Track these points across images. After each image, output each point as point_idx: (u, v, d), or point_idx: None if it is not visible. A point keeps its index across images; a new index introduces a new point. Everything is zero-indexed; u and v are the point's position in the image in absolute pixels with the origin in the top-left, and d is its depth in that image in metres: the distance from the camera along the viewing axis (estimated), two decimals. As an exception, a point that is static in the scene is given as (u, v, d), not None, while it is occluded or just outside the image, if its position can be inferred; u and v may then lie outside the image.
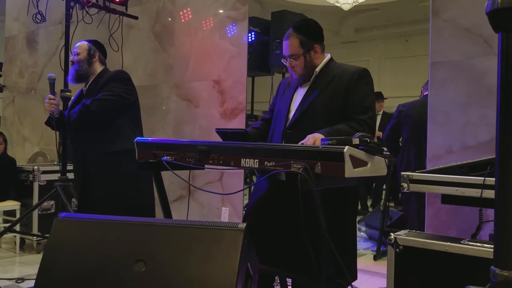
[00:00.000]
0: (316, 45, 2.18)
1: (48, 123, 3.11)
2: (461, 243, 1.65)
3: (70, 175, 3.83)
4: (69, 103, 3.12)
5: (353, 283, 1.90)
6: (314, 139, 1.89)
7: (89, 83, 3.01)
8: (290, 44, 2.17)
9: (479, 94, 2.97)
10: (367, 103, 2.12)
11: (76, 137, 3.00)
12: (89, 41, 3.11)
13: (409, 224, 4.09)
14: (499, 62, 0.87)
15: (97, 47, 3.09)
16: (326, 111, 2.11)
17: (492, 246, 0.94)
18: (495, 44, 2.70)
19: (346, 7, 7.85)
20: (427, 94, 4.06)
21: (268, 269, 2.18)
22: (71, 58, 3.05)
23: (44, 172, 4.53)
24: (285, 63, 2.24)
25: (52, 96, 3.03)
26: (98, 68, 3.04)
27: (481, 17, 2.85)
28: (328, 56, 2.24)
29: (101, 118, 2.86)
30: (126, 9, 4.66)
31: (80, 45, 3.06)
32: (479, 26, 2.97)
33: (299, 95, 2.22)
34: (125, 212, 2.64)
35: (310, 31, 2.20)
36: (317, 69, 2.19)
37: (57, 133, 3.16)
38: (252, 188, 2.44)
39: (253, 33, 4.65)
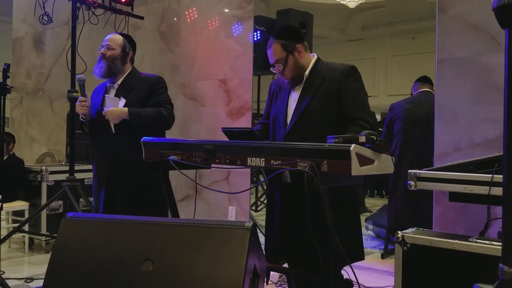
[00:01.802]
0: (298, 45, 2.22)
1: (81, 126, 2.93)
2: (469, 241, 1.65)
3: (78, 175, 3.86)
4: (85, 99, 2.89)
5: (360, 282, 1.89)
6: None
7: (119, 82, 2.83)
8: (273, 51, 2.23)
9: (486, 90, 2.95)
10: (360, 100, 2.16)
11: (106, 142, 2.80)
12: (123, 36, 2.92)
13: (391, 210, 4.13)
14: (506, 58, 0.87)
15: (131, 45, 2.92)
16: (321, 113, 2.14)
17: (500, 243, 0.94)
18: (502, 41, 2.68)
19: (351, 5, 7.83)
20: (421, 92, 4.11)
21: (279, 268, 2.19)
22: (102, 50, 2.81)
23: (52, 173, 4.55)
24: (274, 71, 2.28)
25: (83, 98, 2.82)
26: (128, 67, 2.88)
27: (488, 13, 2.83)
28: (315, 57, 2.27)
29: (169, 127, 2.83)
30: (132, 9, 4.67)
31: (115, 39, 2.84)
32: (486, 23, 2.95)
33: (293, 100, 2.25)
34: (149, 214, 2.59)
35: (289, 34, 2.25)
36: (306, 73, 2.22)
37: (66, 133, 3.04)
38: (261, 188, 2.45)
39: (258, 32, 4.64)
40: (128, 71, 2.87)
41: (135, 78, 2.85)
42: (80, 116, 2.85)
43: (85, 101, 2.82)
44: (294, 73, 2.21)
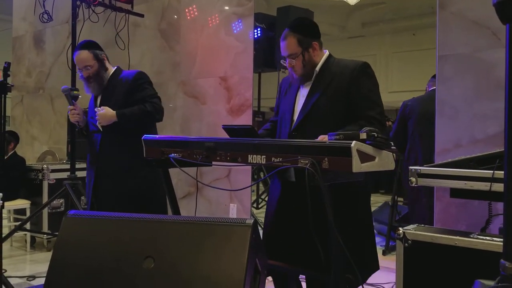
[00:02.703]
0: (314, 42, 2.15)
1: (80, 133, 3.02)
2: (470, 237, 1.64)
3: (79, 174, 3.86)
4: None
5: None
6: (322, 138, 1.89)
7: (104, 84, 2.87)
8: (288, 44, 2.14)
9: (487, 87, 2.95)
10: (373, 98, 2.08)
11: (95, 141, 2.86)
12: (85, 47, 2.83)
13: (419, 218, 4.06)
14: (507, 53, 0.86)
15: (96, 47, 2.86)
16: (330, 111, 2.08)
17: (502, 239, 0.94)
18: (503, 36, 2.67)
19: (352, 2, 7.81)
20: (433, 89, 4.05)
21: (281, 265, 2.19)
22: (84, 75, 2.80)
23: (53, 171, 4.56)
24: (284, 64, 2.21)
25: (71, 107, 2.89)
26: (109, 67, 2.89)
27: (488, 9, 2.82)
28: (326, 53, 2.21)
29: (158, 120, 2.83)
30: (132, 7, 4.67)
31: (84, 58, 2.79)
32: (486, 18, 2.94)
33: (302, 95, 2.20)
34: (137, 209, 2.62)
35: (307, 29, 2.17)
36: (317, 68, 2.16)
37: (67, 132, 3.07)
38: (262, 185, 2.45)
39: (259, 29, 4.64)
40: (111, 73, 2.89)
41: (116, 78, 2.87)
42: (77, 123, 2.92)
43: (75, 109, 2.89)
44: (306, 70, 2.15)
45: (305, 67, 2.14)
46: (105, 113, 2.72)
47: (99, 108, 2.75)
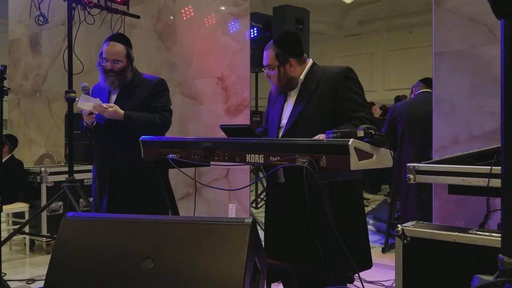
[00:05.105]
0: (291, 59, 2.20)
1: (87, 131, 2.86)
2: (469, 233, 1.65)
3: (77, 176, 3.85)
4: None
5: (361, 276, 1.89)
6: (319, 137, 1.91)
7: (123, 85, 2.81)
8: (267, 55, 2.23)
9: (484, 83, 2.95)
10: (359, 100, 2.14)
11: (106, 145, 2.78)
12: (123, 41, 2.76)
13: (410, 218, 4.07)
14: (502, 48, 0.87)
15: (130, 46, 2.80)
16: (317, 117, 2.12)
17: (500, 235, 0.94)
18: (499, 33, 2.67)
19: (348, 0, 7.82)
20: (420, 92, 4.09)
21: (279, 264, 2.19)
22: (109, 65, 2.70)
23: (51, 174, 4.55)
24: (264, 71, 2.29)
25: None
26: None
27: (484, 5, 2.82)
28: (310, 61, 2.27)
29: (161, 134, 2.77)
30: (128, 8, 4.65)
31: (118, 52, 2.71)
32: (482, 15, 2.95)
33: (290, 103, 2.24)
34: (146, 209, 2.58)
35: (288, 45, 2.22)
36: (302, 77, 2.21)
37: (64, 134, 2.96)
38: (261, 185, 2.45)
39: (255, 28, 4.64)
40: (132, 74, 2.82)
41: (137, 80, 2.82)
42: (86, 123, 2.78)
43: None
44: (282, 82, 2.22)
45: (280, 80, 2.22)
46: (113, 109, 2.64)
47: (109, 104, 2.67)
